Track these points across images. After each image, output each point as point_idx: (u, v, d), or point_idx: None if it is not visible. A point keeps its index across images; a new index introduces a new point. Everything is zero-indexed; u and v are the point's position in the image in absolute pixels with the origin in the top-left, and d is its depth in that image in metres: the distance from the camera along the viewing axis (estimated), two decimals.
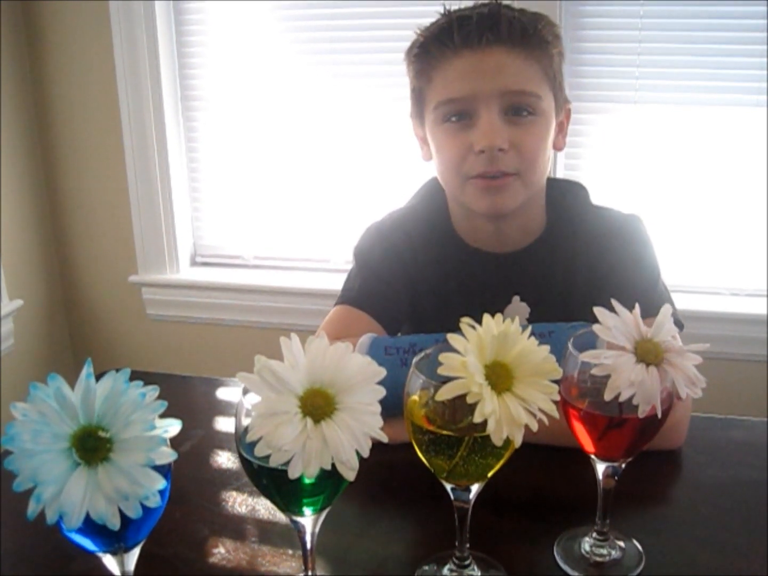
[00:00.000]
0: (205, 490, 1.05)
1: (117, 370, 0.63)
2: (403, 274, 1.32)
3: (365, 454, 0.66)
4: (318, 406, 0.65)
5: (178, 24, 2.53)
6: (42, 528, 0.61)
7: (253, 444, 0.65)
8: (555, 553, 0.93)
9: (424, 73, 1.24)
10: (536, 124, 1.20)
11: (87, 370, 0.62)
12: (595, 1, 2.25)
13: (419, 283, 1.33)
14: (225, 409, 1.30)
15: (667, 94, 2.27)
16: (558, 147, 1.29)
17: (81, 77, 2.57)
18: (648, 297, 1.18)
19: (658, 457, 1.07)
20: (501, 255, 1.32)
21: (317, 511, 0.74)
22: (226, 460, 1.12)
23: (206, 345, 2.79)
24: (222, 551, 0.93)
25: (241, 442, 0.72)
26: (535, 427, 0.71)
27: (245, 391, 0.72)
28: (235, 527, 0.98)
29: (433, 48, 1.21)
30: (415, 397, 0.78)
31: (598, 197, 1.36)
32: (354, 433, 0.65)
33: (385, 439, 0.67)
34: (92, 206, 2.73)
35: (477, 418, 0.68)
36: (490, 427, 0.69)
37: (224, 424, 1.24)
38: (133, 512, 0.61)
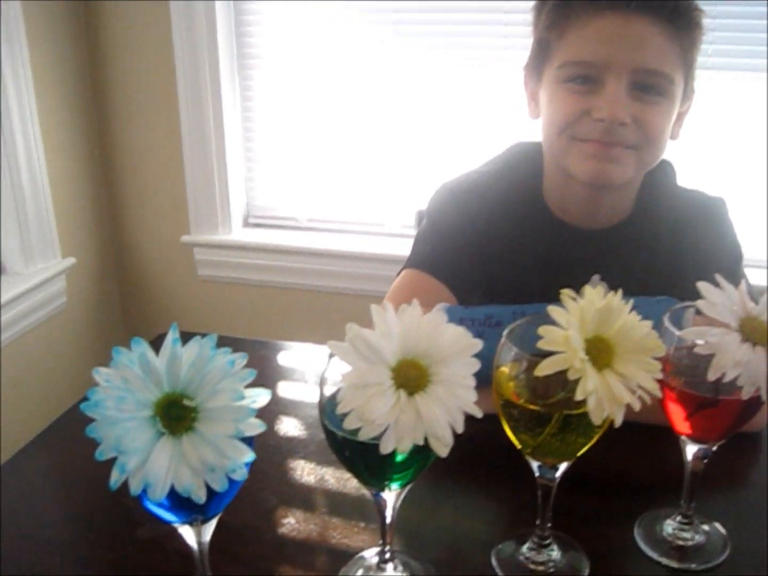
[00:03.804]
0: (273, 458, 1.03)
1: (203, 336, 0.60)
2: (476, 241, 1.26)
3: (459, 429, 0.63)
4: (411, 377, 0.62)
5: None
6: (109, 492, 0.58)
7: (338, 415, 0.62)
8: (635, 534, 0.89)
9: (556, 26, 1.14)
10: (662, 105, 1.13)
11: (173, 334, 0.59)
12: None
13: (494, 252, 1.26)
14: (287, 374, 1.27)
15: None
16: (673, 136, 1.20)
17: (137, 36, 2.53)
18: (732, 274, 1.12)
19: (738, 439, 1.02)
20: (588, 231, 1.25)
21: (402, 486, 0.71)
22: (292, 427, 1.10)
23: (257, 307, 2.77)
24: (292, 521, 0.91)
25: (325, 412, 0.69)
26: (637, 406, 0.67)
27: (330, 359, 0.69)
28: (304, 497, 0.96)
29: (575, 1, 1.12)
30: (505, 369, 0.74)
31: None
32: (448, 408, 0.62)
33: (479, 414, 0.63)
34: (145, 165, 2.71)
35: (578, 396, 0.64)
36: (590, 405, 0.65)
37: (287, 390, 1.21)
38: (219, 485, 0.58)
